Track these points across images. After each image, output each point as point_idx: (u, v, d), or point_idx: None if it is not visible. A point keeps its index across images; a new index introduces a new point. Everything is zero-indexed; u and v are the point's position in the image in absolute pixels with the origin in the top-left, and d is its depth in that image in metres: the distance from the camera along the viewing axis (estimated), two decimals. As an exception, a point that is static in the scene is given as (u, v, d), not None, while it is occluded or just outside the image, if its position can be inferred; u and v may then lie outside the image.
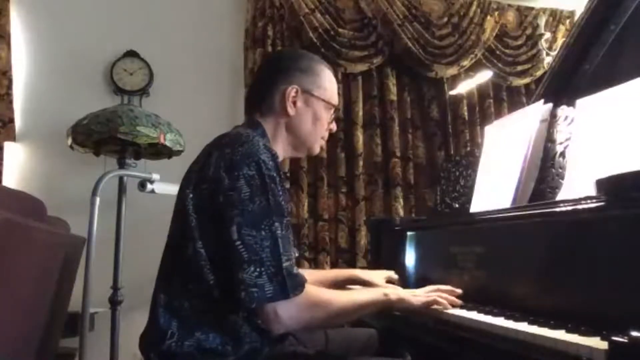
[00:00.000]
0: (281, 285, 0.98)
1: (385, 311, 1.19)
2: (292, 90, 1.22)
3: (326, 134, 1.31)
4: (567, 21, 3.37)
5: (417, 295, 1.17)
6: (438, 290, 1.19)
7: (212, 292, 1.03)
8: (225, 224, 1.00)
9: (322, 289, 1.13)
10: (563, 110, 1.30)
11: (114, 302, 2.23)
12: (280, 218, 1.02)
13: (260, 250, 0.98)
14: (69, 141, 2.22)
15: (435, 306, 1.14)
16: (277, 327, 1.01)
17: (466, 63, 3.15)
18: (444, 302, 1.14)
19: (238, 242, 0.98)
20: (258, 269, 0.97)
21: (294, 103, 1.22)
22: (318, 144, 1.30)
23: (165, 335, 1.02)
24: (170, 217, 1.17)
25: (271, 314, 0.98)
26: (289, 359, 1.17)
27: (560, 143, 1.27)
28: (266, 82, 1.26)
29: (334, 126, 1.32)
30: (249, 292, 0.96)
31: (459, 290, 1.20)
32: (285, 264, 0.99)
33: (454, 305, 1.15)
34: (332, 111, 1.29)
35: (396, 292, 1.18)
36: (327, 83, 1.28)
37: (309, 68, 1.26)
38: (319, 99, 1.25)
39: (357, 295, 1.16)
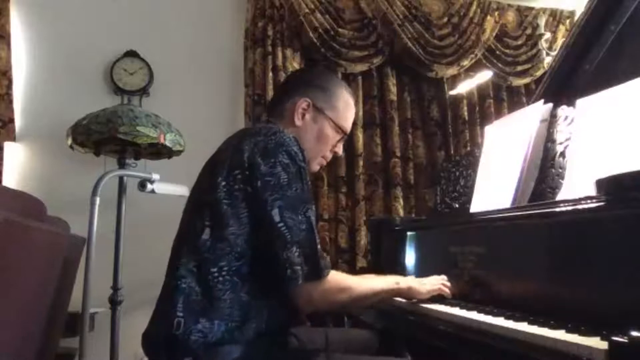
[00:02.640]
0: (315, 265, 1.04)
1: (398, 297, 1.30)
2: (303, 103, 1.26)
3: (329, 155, 1.34)
4: (567, 21, 3.37)
5: (425, 284, 1.29)
6: (442, 281, 1.32)
7: (234, 275, 1.03)
8: (265, 207, 1.03)
9: (346, 275, 1.18)
10: (563, 110, 1.30)
11: (114, 302, 2.23)
12: (311, 205, 1.08)
13: (299, 233, 1.03)
14: (69, 141, 2.22)
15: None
16: (308, 306, 1.09)
17: (466, 63, 3.15)
18: (447, 290, 1.29)
19: (281, 224, 1.03)
20: (298, 250, 1.02)
21: (303, 115, 1.26)
22: (317, 162, 1.32)
23: (171, 325, 1.00)
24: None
25: (304, 294, 1.04)
26: (289, 359, 1.17)
27: (560, 143, 1.27)
28: (285, 90, 1.33)
29: (339, 149, 1.35)
30: (295, 269, 1.01)
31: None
32: (318, 247, 1.06)
33: (454, 296, 1.28)
34: (340, 135, 1.32)
35: (407, 281, 1.28)
36: (342, 107, 1.31)
37: (328, 87, 1.30)
38: (327, 119, 1.28)
39: (374, 282, 1.22)
